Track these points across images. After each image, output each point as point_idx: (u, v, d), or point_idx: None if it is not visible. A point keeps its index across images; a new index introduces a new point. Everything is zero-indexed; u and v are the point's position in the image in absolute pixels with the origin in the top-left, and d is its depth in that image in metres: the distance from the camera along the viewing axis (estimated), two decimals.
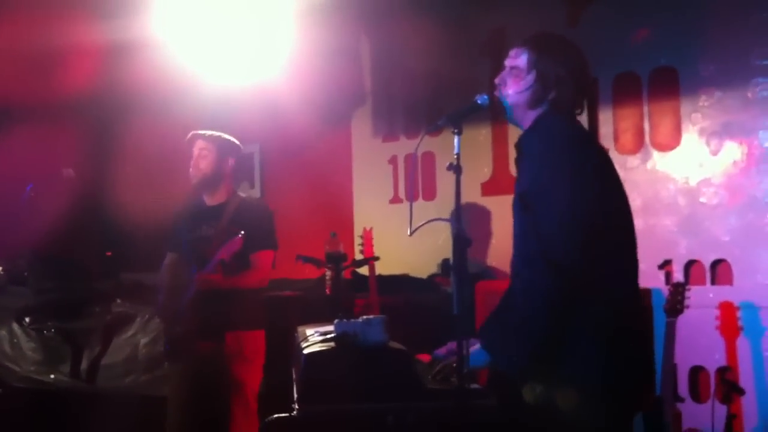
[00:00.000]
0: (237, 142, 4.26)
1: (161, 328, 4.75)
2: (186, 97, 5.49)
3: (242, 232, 3.82)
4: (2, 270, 5.21)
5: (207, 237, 4.01)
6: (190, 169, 4.16)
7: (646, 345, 2.61)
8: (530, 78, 2.65)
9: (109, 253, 6.08)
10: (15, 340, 4.87)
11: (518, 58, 2.68)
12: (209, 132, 4.19)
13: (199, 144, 4.15)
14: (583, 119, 4.89)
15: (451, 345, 2.66)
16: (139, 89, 5.51)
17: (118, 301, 5.03)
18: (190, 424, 4.05)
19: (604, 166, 2.62)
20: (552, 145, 2.57)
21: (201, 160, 4.13)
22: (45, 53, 5.15)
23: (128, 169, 5.73)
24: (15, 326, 4.91)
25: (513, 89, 2.68)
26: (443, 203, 5.29)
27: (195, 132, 4.19)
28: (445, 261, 5.13)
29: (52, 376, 4.81)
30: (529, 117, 2.68)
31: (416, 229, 2.66)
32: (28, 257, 5.30)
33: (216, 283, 3.90)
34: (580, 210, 2.45)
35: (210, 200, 4.19)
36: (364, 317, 2.66)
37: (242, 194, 4.32)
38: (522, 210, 2.59)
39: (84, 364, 4.86)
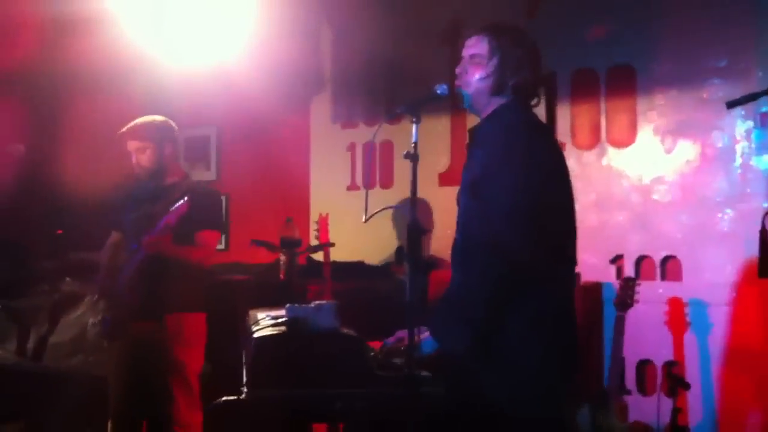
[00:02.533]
0: (170, 124, 4.17)
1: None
2: (141, 75, 5.42)
3: (186, 197, 3.78)
4: None
5: (151, 214, 3.95)
6: (134, 166, 4.09)
7: (575, 330, 2.65)
8: (493, 63, 2.66)
9: (59, 231, 5.97)
10: None
11: (478, 45, 2.70)
12: (139, 124, 4.09)
13: (133, 144, 4.07)
14: (541, 113, 4.96)
15: (401, 334, 2.67)
16: (93, 66, 5.40)
17: (67, 279, 4.95)
18: (131, 403, 4.04)
19: (555, 159, 2.65)
20: (507, 134, 2.60)
21: (140, 156, 4.06)
22: None
23: (78, 147, 5.62)
24: None
25: (476, 76, 2.69)
26: (400, 192, 5.29)
27: (123, 132, 4.08)
28: (400, 249, 5.14)
29: None
30: (490, 105, 2.70)
31: (371, 216, 2.67)
32: None
33: (163, 246, 3.85)
34: (528, 199, 2.49)
35: (160, 181, 4.14)
36: (316, 303, 2.66)
37: (193, 179, 4.29)
38: (470, 197, 2.61)
39: (30, 343, 4.77)
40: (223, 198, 6.01)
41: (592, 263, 4.53)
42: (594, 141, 4.78)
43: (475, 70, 2.69)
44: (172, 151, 4.14)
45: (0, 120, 5.18)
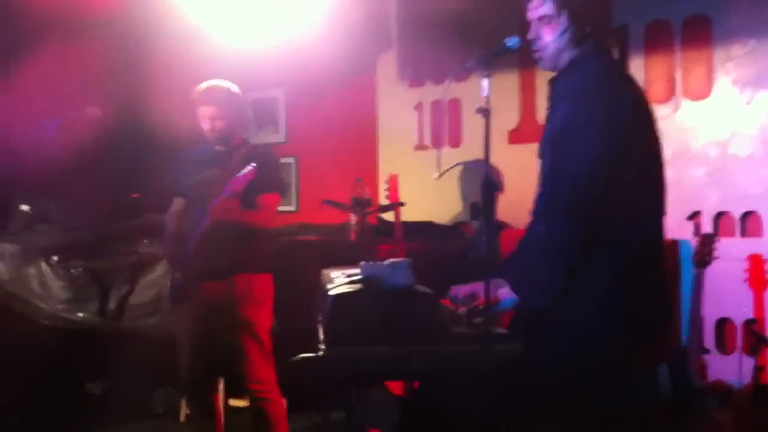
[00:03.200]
0: (238, 91, 4.13)
1: None
2: (210, 38, 5.45)
3: (254, 164, 3.81)
4: (30, 208, 5.23)
5: (214, 178, 3.98)
6: (205, 130, 4.08)
7: (668, 293, 2.60)
8: (564, 19, 2.60)
9: (137, 195, 6.09)
10: (43, 278, 4.89)
11: (544, 6, 2.64)
12: (213, 89, 4.06)
13: (207, 110, 4.04)
14: None
15: (470, 287, 2.65)
16: (163, 29, 5.45)
17: (145, 241, 5.05)
18: (203, 363, 4.09)
19: (640, 107, 2.59)
20: (591, 83, 2.54)
21: (214, 122, 4.04)
22: None
23: (153, 109, 5.70)
24: (43, 264, 4.92)
25: (550, 37, 2.63)
26: (469, 150, 5.24)
27: (197, 97, 4.06)
28: (474, 204, 5.08)
29: (80, 314, 4.84)
30: (566, 57, 2.64)
31: (444, 173, 2.65)
32: (55, 196, 5.31)
33: (232, 212, 3.87)
34: (615, 152, 2.44)
35: (221, 145, 4.14)
36: (391, 260, 2.65)
37: (252, 142, 4.30)
38: (553, 146, 2.57)
39: (111, 304, 4.90)
40: (292, 160, 6.07)
41: (668, 220, 4.41)
42: (668, 94, 4.66)
43: (548, 32, 2.64)
44: (240, 117, 4.17)
45: (76, 82, 5.28)
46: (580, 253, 2.47)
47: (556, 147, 2.55)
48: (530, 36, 2.67)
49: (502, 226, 4.55)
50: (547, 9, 2.63)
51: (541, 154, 2.69)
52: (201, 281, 3.97)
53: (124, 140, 5.75)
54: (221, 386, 4.44)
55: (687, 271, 4.22)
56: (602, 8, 2.64)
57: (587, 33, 2.61)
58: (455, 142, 5.40)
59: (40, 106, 4.96)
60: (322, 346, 2.51)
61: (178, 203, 4.23)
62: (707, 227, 4.42)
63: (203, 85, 4.10)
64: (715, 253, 4.04)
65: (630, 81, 2.65)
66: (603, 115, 2.46)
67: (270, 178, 4.06)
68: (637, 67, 4.74)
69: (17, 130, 4.94)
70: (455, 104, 5.39)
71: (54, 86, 5.19)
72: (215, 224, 3.89)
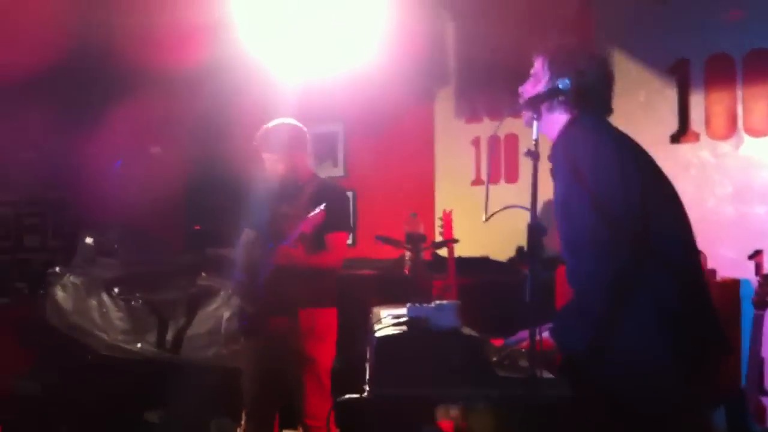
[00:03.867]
0: (302, 132, 4.21)
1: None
2: (272, 74, 5.55)
3: (324, 205, 3.85)
4: (93, 242, 5.38)
5: (285, 214, 4.05)
6: (267, 172, 4.18)
7: (715, 322, 2.55)
8: (546, 78, 2.70)
9: (197, 227, 6.22)
10: (104, 310, 5.03)
11: (536, 63, 2.78)
12: (272, 134, 4.14)
13: (267, 156, 4.16)
14: (673, 102, 4.82)
15: (522, 334, 2.66)
16: (222, 69, 5.58)
17: (203, 274, 5.14)
18: (264, 398, 4.13)
19: (630, 154, 2.60)
20: (570, 157, 2.58)
21: (274, 167, 4.15)
22: (141, 32, 5.27)
23: (213, 146, 5.83)
24: (104, 296, 5.05)
25: (529, 92, 2.74)
26: (526, 186, 5.18)
27: (257, 142, 4.17)
28: (520, 248, 5.07)
29: (139, 345, 4.95)
30: (553, 126, 2.70)
31: (491, 216, 2.65)
32: (118, 230, 5.45)
33: (297, 257, 3.95)
34: (613, 211, 2.47)
35: (292, 185, 4.22)
36: (437, 302, 2.66)
37: (321, 176, 4.35)
38: (558, 217, 2.64)
39: (169, 335, 4.99)
40: (350, 194, 6.12)
41: (729, 258, 4.35)
42: (730, 130, 4.59)
43: (531, 87, 2.76)
44: (304, 158, 4.23)
45: (137, 120, 5.44)
46: (612, 300, 2.46)
47: (561, 215, 2.61)
48: (520, 90, 2.82)
49: (557, 262, 4.51)
50: (537, 67, 2.78)
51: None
52: (269, 315, 4.02)
53: (189, 177, 5.89)
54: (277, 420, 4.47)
55: (747, 311, 4.11)
56: (597, 80, 2.68)
57: (567, 101, 2.65)
58: (512, 178, 5.38)
59: (110, 147, 5.13)
60: (367, 388, 2.52)
61: (248, 234, 4.29)
62: None
63: (264, 129, 4.18)
64: None
65: (613, 134, 2.65)
66: (584, 185, 2.50)
67: (339, 216, 4.11)
68: (698, 102, 4.68)
69: (86, 168, 5.11)
70: (513, 140, 5.38)
71: (125, 129, 5.36)
72: (282, 267, 3.94)
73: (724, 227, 4.44)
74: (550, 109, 2.71)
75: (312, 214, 3.84)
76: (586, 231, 2.50)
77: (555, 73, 2.69)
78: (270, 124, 4.21)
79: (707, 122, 4.64)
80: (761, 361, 4.07)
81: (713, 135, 4.61)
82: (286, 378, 4.07)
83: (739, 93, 4.57)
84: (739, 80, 4.57)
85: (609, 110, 2.74)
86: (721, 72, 4.60)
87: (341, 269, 4.53)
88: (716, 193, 4.59)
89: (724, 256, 4.29)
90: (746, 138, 4.53)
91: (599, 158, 2.53)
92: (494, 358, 2.61)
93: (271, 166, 4.18)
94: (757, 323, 3.94)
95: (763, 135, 4.47)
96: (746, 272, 4.37)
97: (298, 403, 4.06)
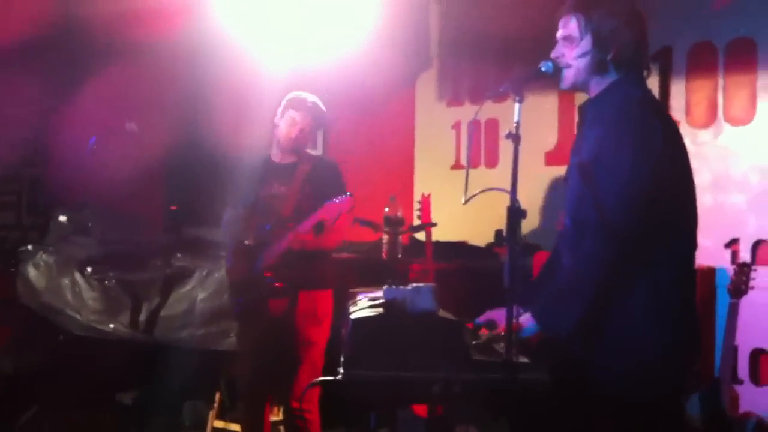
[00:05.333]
0: (324, 110, 4.19)
1: (219, 284, 4.81)
2: (253, 53, 5.49)
3: (349, 194, 3.79)
4: (67, 220, 5.31)
5: (281, 195, 3.98)
6: (282, 133, 4.08)
7: (697, 320, 2.54)
8: (586, 42, 2.57)
9: (174, 207, 6.15)
10: (77, 289, 4.97)
11: (568, 26, 2.61)
12: (311, 99, 4.11)
13: (299, 115, 4.06)
14: (654, 89, 4.78)
15: (491, 315, 2.63)
16: (204, 47, 5.52)
17: (178, 255, 5.08)
18: (260, 381, 4.09)
19: (671, 138, 2.53)
20: (621, 113, 2.50)
21: (298, 130, 4.06)
22: (122, 5, 5.20)
23: (195, 125, 5.77)
24: (77, 275, 5.00)
25: (570, 57, 2.60)
26: (506, 170, 5.15)
27: (298, 98, 4.10)
28: (499, 232, 5.04)
29: (112, 326, 4.90)
30: (596, 84, 2.61)
31: (470, 199, 2.63)
32: (93, 208, 5.39)
33: (308, 242, 3.86)
34: (642, 183, 2.40)
35: (279, 158, 4.15)
36: (414, 285, 2.63)
37: (311, 152, 4.27)
38: (581, 179, 2.53)
39: (143, 316, 4.94)
40: None
41: (705, 247, 4.31)
42: (711, 119, 4.58)
43: (570, 52, 2.60)
44: (314, 133, 4.18)
45: (116, 97, 5.37)
46: (609, 284, 2.43)
47: (585, 177, 2.50)
48: (553, 54, 2.64)
49: (535, 247, 4.51)
50: (571, 30, 2.61)
51: (568, 182, 2.65)
52: (268, 298, 3.96)
53: (167, 155, 5.83)
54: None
55: (723, 300, 4.13)
56: (634, 37, 2.58)
57: (611, 59, 2.56)
58: (492, 163, 5.36)
59: (84, 122, 5.06)
60: (341, 370, 2.49)
61: (233, 214, 4.20)
62: (745, 255, 4.32)
63: (297, 93, 4.12)
64: (752, 283, 3.96)
65: (662, 111, 2.60)
66: (633, 146, 2.42)
67: (339, 194, 3.96)
68: (679, 90, 4.67)
69: (59, 144, 5.04)
70: (494, 124, 5.35)
71: (99, 104, 5.28)
72: (292, 251, 3.86)
73: (702, 216, 4.40)
74: (590, 71, 2.58)
75: (338, 200, 3.75)
76: (614, 196, 2.40)
77: (596, 32, 2.55)
78: (303, 93, 4.15)
79: (688, 110, 4.63)
80: (735, 349, 4.09)
81: (693, 123, 4.61)
82: (283, 361, 4.01)
83: (721, 81, 4.56)
84: (721, 69, 4.56)
85: (648, 68, 2.65)
86: (704, 60, 4.59)
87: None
88: (695, 182, 4.58)
89: (701, 244, 4.24)
90: (726, 127, 4.53)
91: (645, 135, 2.43)
92: (473, 342, 2.59)
93: (292, 129, 4.06)
94: (732, 311, 3.96)
95: (743, 124, 4.47)
96: (723, 261, 4.39)
97: (287, 385, 4.02)
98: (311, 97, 4.13)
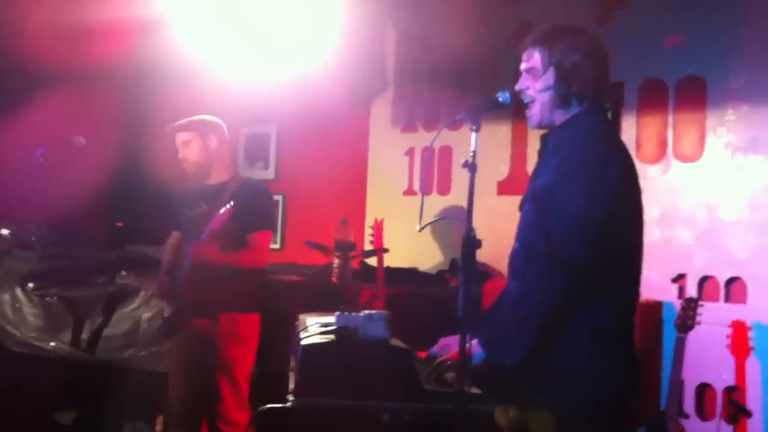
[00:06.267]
0: (217, 120, 4.21)
1: (164, 304, 4.73)
2: (204, 74, 5.43)
3: (231, 203, 3.79)
4: (9, 233, 5.17)
5: (205, 214, 3.99)
6: (180, 161, 4.15)
7: (635, 355, 2.56)
8: (548, 76, 2.58)
9: (119, 224, 6.06)
10: (17, 305, 4.83)
11: (532, 59, 2.62)
12: (184, 120, 4.15)
13: (180, 136, 4.13)
14: None
15: (444, 342, 2.61)
16: (156, 65, 5.46)
17: (123, 273, 4.98)
18: (188, 401, 4.05)
19: (628, 172, 2.56)
20: (582, 143, 2.51)
21: (185, 149, 4.12)
22: (73, 24, 5.12)
23: (141, 142, 5.69)
24: (18, 290, 4.86)
25: (535, 90, 2.61)
26: (458, 198, 5.21)
27: (170, 126, 4.17)
28: (454, 261, 5.08)
29: (52, 344, 4.76)
30: (560, 117, 2.62)
31: (425, 226, 2.62)
32: (36, 222, 5.26)
33: (210, 256, 3.89)
34: (597, 214, 2.40)
35: (211, 180, 4.18)
36: (366, 312, 2.61)
37: (244, 176, 4.30)
38: (535, 205, 2.54)
39: (85, 334, 4.82)
40: (281, 197, 6.03)
41: (653, 281, 4.39)
42: (660, 154, 4.65)
43: (534, 85, 2.62)
44: (218, 146, 4.16)
45: (65, 113, 5.27)
46: (556, 311, 2.43)
47: (538, 203, 2.51)
48: (518, 87, 2.65)
49: (486, 276, 4.51)
50: (534, 62, 2.62)
51: (521, 208, 2.66)
52: (190, 316, 3.94)
53: (114, 172, 5.75)
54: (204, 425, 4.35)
55: (669, 333, 4.17)
56: (595, 71, 2.60)
57: (574, 92, 2.58)
58: (444, 190, 5.36)
59: (30, 135, 4.96)
60: (291, 397, 2.45)
61: (174, 236, 4.27)
62: (692, 290, 4.37)
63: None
64: (699, 318, 4.01)
65: (620, 145, 2.62)
66: (590, 176, 2.43)
67: (261, 216, 4.07)
68: (630, 126, 4.73)
69: (5, 156, 4.93)
70: (447, 152, 5.37)
71: (49, 119, 5.19)
72: (197, 265, 3.88)
73: (649, 250, 4.41)
74: (553, 105, 2.60)
75: (220, 211, 3.78)
76: (565, 225, 2.40)
77: (559, 65, 2.56)
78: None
79: (638, 145, 4.69)
80: (681, 384, 4.12)
81: (643, 158, 4.66)
82: (207, 381, 3.98)
83: (670, 118, 4.63)
84: (671, 106, 4.64)
85: (608, 99, 2.67)
86: (654, 96, 4.66)
87: (268, 274, 4.47)
88: (644, 216, 4.65)
89: (648, 278, 4.29)
90: (674, 163, 4.60)
91: (602, 166, 2.44)
92: (425, 373, 2.57)
93: (183, 151, 4.10)
94: (679, 346, 4.00)
95: (691, 161, 4.54)
96: (670, 295, 4.44)
97: (214, 409, 3.97)
98: (195, 117, 4.18)
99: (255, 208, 4.01)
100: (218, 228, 3.80)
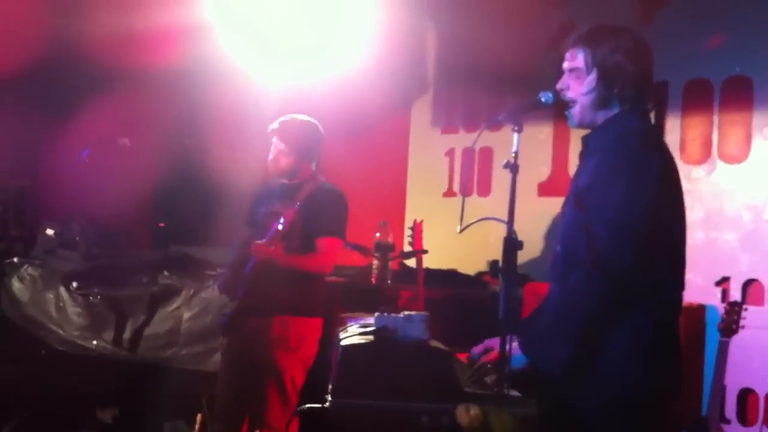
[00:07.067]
0: (318, 130, 4.15)
1: (206, 303, 4.77)
2: (247, 76, 5.48)
3: (298, 203, 3.77)
4: (54, 233, 5.25)
5: (277, 213, 3.94)
6: (270, 161, 4.10)
7: (681, 363, 2.52)
8: (592, 77, 2.56)
9: (161, 224, 6.12)
10: (61, 304, 4.90)
11: (576, 59, 2.59)
12: (290, 126, 4.07)
13: (279, 145, 4.05)
14: None
15: (489, 343, 2.59)
16: (203, 68, 5.51)
17: (165, 272, 5.03)
18: (233, 400, 4.03)
19: (668, 173, 2.52)
20: (622, 143, 2.48)
21: (279, 156, 4.06)
22: (120, 27, 5.20)
23: (184, 144, 5.75)
24: (62, 290, 4.93)
25: (577, 91, 2.59)
26: (498, 200, 5.19)
27: (275, 128, 4.08)
28: (494, 263, 5.03)
29: (95, 342, 4.83)
30: (601, 117, 2.59)
31: (466, 227, 2.60)
32: (81, 222, 5.33)
33: (274, 255, 3.84)
34: (637, 215, 2.37)
35: (287, 179, 4.15)
36: (406, 313, 2.59)
37: (322, 178, 4.21)
38: (576, 207, 2.51)
39: (127, 333, 4.87)
40: None
41: (696, 284, 4.34)
42: (705, 156, 4.59)
43: (576, 85, 2.59)
44: (310, 158, 4.14)
45: (112, 115, 5.35)
46: (599, 317, 2.40)
47: (579, 204, 2.49)
48: (559, 85, 2.63)
49: (525, 279, 4.48)
50: (578, 62, 2.59)
51: (564, 210, 2.63)
52: (247, 315, 3.93)
53: (157, 173, 5.81)
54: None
55: (712, 338, 4.11)
56: (638, 71, 2.57)
57: (616, 94, 2.55)
58: (484, 192, 5.34)
59: (77, 136, 5.04)
60: (329, 397, 2.45)
61: (245, 232, 4.21)
62: (736, 294, 4.30)
63: (282, 118, 4.08)
64: (742, 322, 3.94)
65: (661, 146, 2.59)
66: (628, 176, 2.40)
67: (331, 221, 3.99)
68: (674, 126, 4.68)
69: (50, 156, 5.01)
70: (487, 153, 5.35)
71: (96, 120, 5.27)
72: (260, 264, 3.85)
73: (693, 252, 4.38)
74: (595, 107, 2.57)
75: (287, 211, 3.77)
76: (604, 225, 2.37)
77: (602, 66, 2.53)
78: (290, 116, 4.12)
79: (682, 146, 4.63)
80: (723, 389, 4.06)
81: (687, 159, 4.61)
82: (255, 384, 3.94)
83: (716, 119, 4.57)
84: (716, 106, 4.58)
85: (651, 99, 2.64)
86: (699, 97, 4.61)
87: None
88: (687, 218, 4.58)
89: (692, 281, 4.25)
90: (719, 164, 4.53)
91: (641, 167, 2.41)
92: (467, 375, 2.56)
93: (277, 157, 4.06)
94: (722, 350, 3.94)
95: (737, 162, 4.48)
96: (713, 298, 4.38)
97: (260, 411, 3.94)
98: (293, 119, 4.11)
99: (327, 213, 3.95)
100: (283, 228, 3.77)
